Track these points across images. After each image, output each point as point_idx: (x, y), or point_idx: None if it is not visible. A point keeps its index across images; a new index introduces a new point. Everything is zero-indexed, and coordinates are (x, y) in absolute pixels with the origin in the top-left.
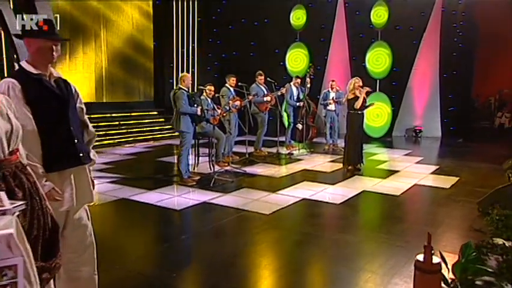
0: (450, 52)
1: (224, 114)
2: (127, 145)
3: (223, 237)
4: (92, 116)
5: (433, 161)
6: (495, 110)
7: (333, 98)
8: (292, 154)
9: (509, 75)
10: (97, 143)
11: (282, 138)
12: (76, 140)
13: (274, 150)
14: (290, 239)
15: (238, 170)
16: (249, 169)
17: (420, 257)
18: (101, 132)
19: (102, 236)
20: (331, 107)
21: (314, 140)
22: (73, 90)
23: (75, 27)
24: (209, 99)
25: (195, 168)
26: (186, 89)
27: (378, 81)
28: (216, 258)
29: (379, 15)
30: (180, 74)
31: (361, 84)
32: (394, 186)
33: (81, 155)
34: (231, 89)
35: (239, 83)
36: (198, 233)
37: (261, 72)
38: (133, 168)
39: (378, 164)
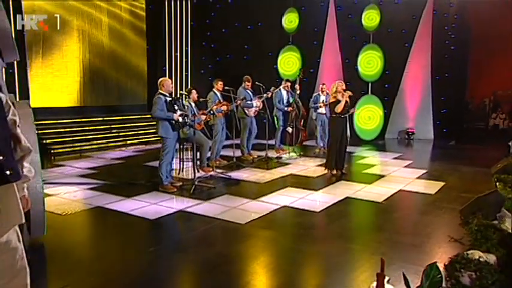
0: (442, 55)
1: (208, 119)
2: (118, 149)
3: (189, 250)
4: (84, 120)
5: (421, 165)
6: (490, 111)
7: (323, 101)
8: (281, 158)
9: (504, 76)
10: (91, 147)
11: (272, 142)
12: (0, 157)
13: (264, 153)
14: (261, 252)
15: (222, 175)
16: (234, 174)
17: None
18: (90, 136)
19: (65, 247)
20: (322, 110)
21: (306, 143)
22: (2, 101)
23: (68, 31)
24: (193, 104)
25: (180, 173)
26: (167, 94)
27: (369, 84)
28: (175, 277)
29: (370, 18)
30: (160, 79)
31: (344, 87)
32: (378, 192)
33: (7, 172)
34: (218, 93)
35: (226, 87)
36: (164, 246)
37: (248, 77)
38: (117, 174)
39: (366, 168)
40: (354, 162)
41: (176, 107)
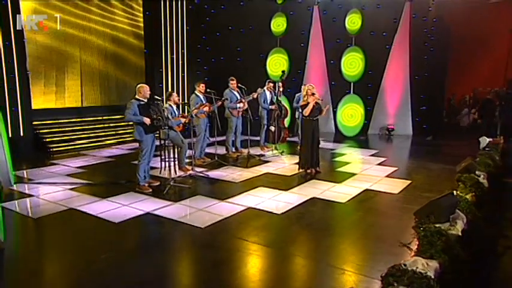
0: (421, 56)
1: (187, 121)
2: (114, 147)
3: (141, 258)
4: (82, 119)
5: (394, 162)
6: (470, 107)
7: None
8: (264, 155)
9: (483, 74)
10: (89, 145)
11: (255, 138)
12: None
13: (251, 150)
14: (209, 259)
15: (201, 175)
16: (213, 173)
17: None
18: (87, 135)
19: (21, 255)
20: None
21: (291, 140)
22: None
23: (70, 38)
24: (174, 107)
25: (161, 172)
26: (143, 99)
27: (352, 83)
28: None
29: (353, 22)
30: (138, 85)
31: (313, 91)
32: (345, 191)
33: None
34: (200, 95)
35: (207, 90)
36: (119, 251)
37: (232, 77)
38: (103, 173)
39: (341, 166)
40: (331, 160)
41: (151, 111)
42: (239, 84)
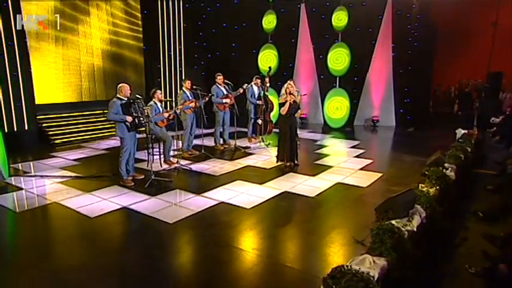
0: (405, 50)
1: (171, 117)
2: (112, 138)
3: (105, 251)
4: (84, 113)
5: (371, 154)
6: (455, 98)
7: None
8: (249, 147)
9: (468, 67)
10: (89, 137)
11: (244, 129)
12: None
13: (241, 142)
14: (170, 255)
15: (185, 167)
16: (196, 166)
17: None
18: (88, 127)
19: None
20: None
21: (276, 131)
22: None
23: (68, 35)
24: (158, 104)
25: (148, 165)
26: (124, 98)
27: (337, 78)
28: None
29: (339, 19)
30: (119, 85)
31: (291, 90)
32: (316, 185)
33: None
34: (187, 91)
35: (194, 86)
36: (85, 246)
37: (219, 73)
38: (94, 166)
39: (320, 158)
40: (313, 151)
41: (132, 110)
42: (225, 80)
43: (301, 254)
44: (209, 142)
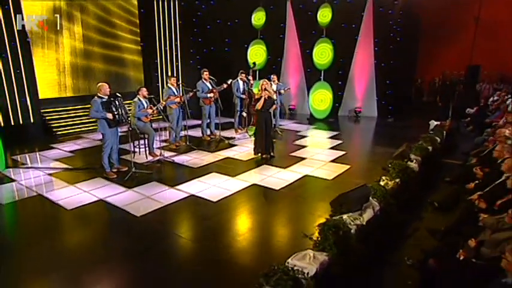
0: (387, 45)
1: (155, 113)
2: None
3: (71, 243)
4: (87, 106)
5: (346, 146)
6: (438, 88)
7: (273, 89)
8: (234, 138)
9: (451, 59)
10: (88, 128)
11: (227, 120)
12: None
13: (228, 133)
14: (129, 248)
15: (168, 159)
16: (179, 158)
17: None
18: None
19: None
20: (273, 96)
21: None
22: None
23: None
24: (143, 100)
25: (134, 157)
26: (104, 97)
27: (322, 71)
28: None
29: (324, 15)
30: (98, 84)
31: (266, 87)
32: (285, 178)
33: None
34: (173, 88)
35: (178, 82)
36: (54, 239)
37: (205, 69)
38: (85, 158)
39: (296, 150)
40: (292, 143)
41: (112, 107)
42: (210, 76)
43: (248, 249)
44: (197, 133)
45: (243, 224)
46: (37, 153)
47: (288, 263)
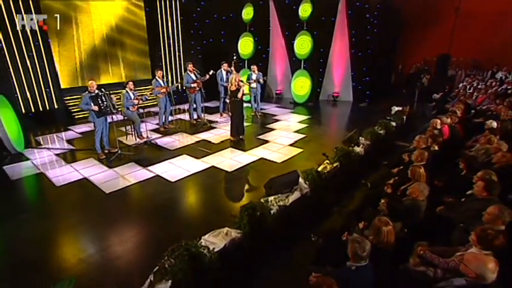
0: (364, 37)
1: (141, 104)
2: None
3: (44, 216)
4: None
5: (309, 129)
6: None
7: (253, 79)
8: (217, 121)
9: (432, 48)
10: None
11: (208, 105)
12: None
13: (213, 118)
14: (89, 222)
15: (153, 142)
16: (162, 140)
17: None
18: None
19: None
20: (254, 85)
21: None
22: None
23: (83, 29)
24: (130, 92)
25: (127, 138)
26: (92, 92)
27: (302, 61)
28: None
29: (305, 10)
30: (89, 82)
31: (237, 81)
32: (241, 160)
33: None
34: (160, 80)
35: (163, 75)
36: (38, 210)
37: (190, 62)
38: (90, 139)
39: (264, 133)
40: (264, 126)
41: (99, 100)
42: (194, 68)
43: (184, 225)
44: (186, 117)
45: (186, 203)
46: (54, 134)
47: (202, 238)
